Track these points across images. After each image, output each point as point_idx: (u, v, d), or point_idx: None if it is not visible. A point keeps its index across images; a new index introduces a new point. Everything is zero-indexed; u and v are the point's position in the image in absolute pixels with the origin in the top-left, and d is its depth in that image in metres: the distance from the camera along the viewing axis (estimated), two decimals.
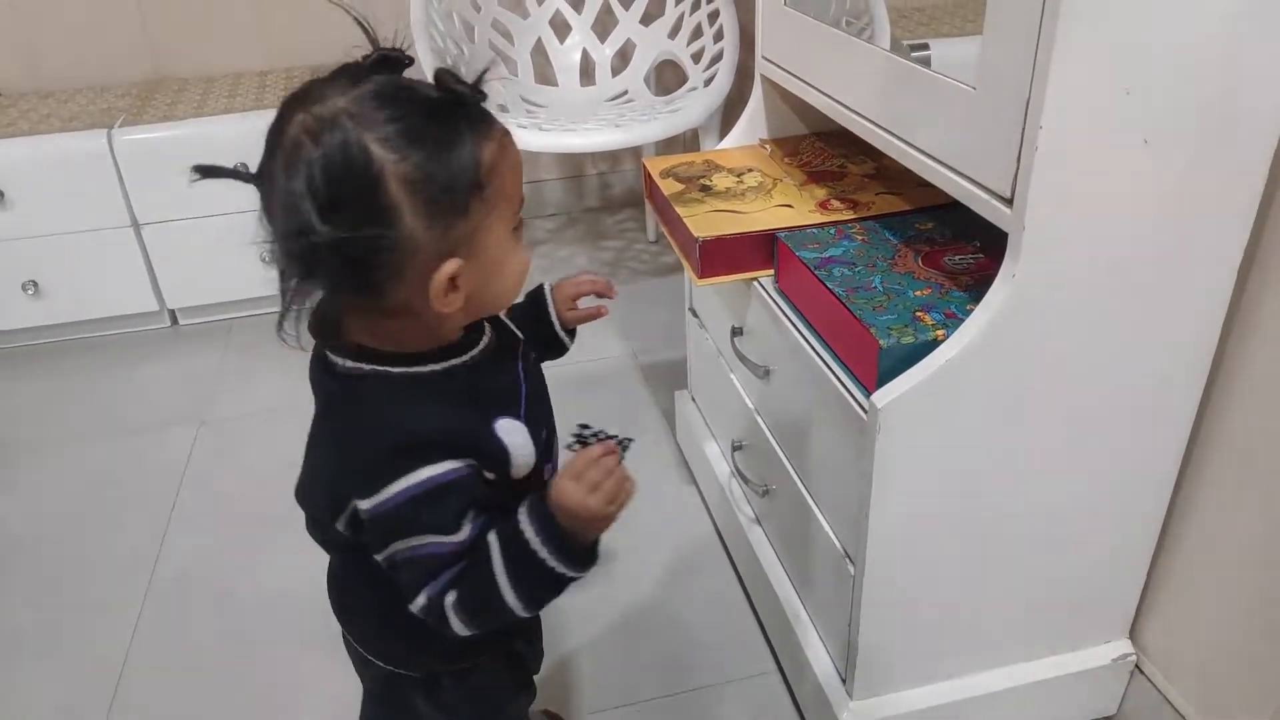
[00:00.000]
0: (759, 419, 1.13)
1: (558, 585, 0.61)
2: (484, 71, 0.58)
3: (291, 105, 0.56)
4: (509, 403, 0.66)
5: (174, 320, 2.05)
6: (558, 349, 0.82)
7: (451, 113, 0.56)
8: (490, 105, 0.60)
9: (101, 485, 1.56)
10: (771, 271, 1.04)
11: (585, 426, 0.65)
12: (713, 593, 1.28)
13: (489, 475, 0.63)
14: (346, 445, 0.62)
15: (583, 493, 0.60)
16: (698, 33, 1.95)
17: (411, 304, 0.58)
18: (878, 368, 0.80)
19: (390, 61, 0.58)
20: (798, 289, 0.97)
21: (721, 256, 1.02)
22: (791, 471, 1.04)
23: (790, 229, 1.01)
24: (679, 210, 1.06)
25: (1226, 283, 0.82)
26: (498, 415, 0.64)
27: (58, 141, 1.81)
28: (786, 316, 0.98)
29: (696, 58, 1.95)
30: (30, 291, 1.87)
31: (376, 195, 0.54)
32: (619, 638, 1.22)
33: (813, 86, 1.09)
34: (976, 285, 0.88)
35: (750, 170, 1.17)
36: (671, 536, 1.37)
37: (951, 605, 0.94)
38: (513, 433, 0.64)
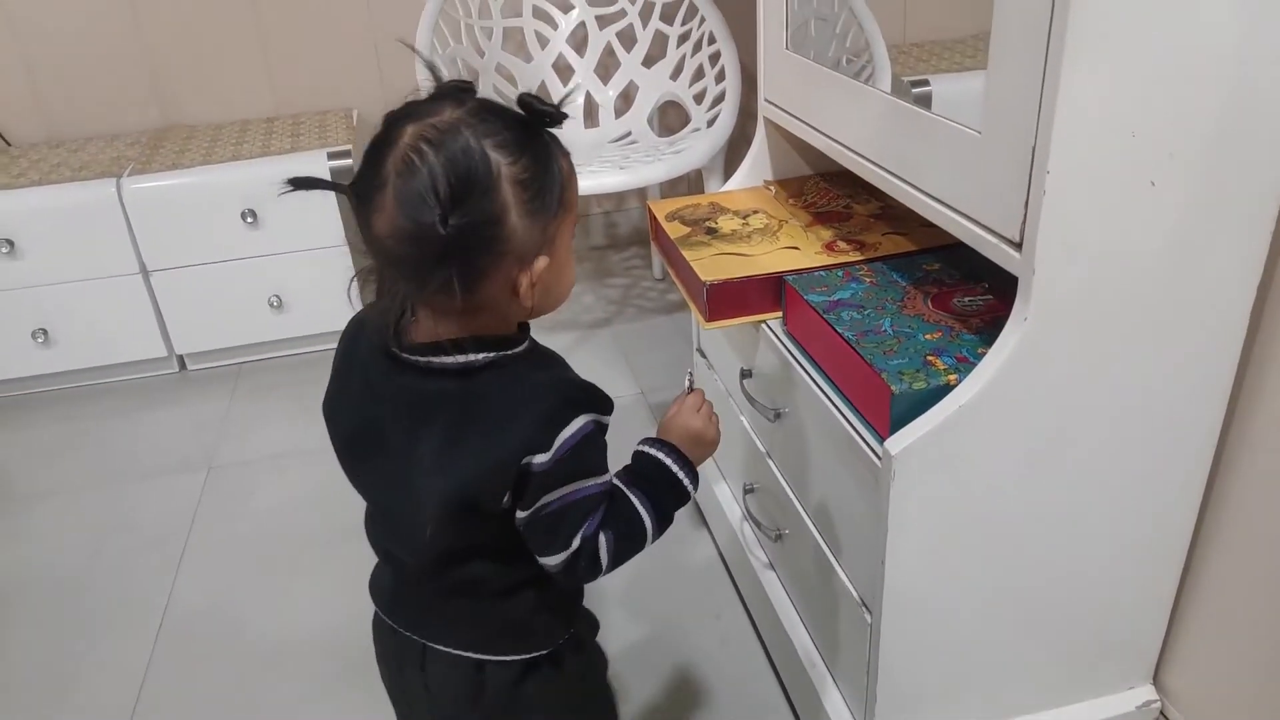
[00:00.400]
0: (770, 462, 1.12)
1: (682, 501, 0.73)
2: (565, 96, 0.71)
3: (399, 120, 0.61)
4: None
5: (183, 366, 2.05)
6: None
7: (541, 128, 0.63)
8: None
9: (112, 531, 1.55)
10: (780, 314, 1.03)
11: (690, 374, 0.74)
12: (726, 637, 1.26)
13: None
14: (512, 414, 0.65)
15: (703, 421, 0.76)
16: (700, 74, 1.97)
17: (496, 299, 0.64)
18: (890, 414, 0.79)
19: (465, 90, 0.64)
20: (807, 332, 0.97)
21: (729, 300, 1.01)
22: (805, 516, 1.02)
23: (797, 271, 1.01)
24: (685, 254, 1.06)
25: (1240, 322, 0.81)
26: None
27: (67, 191, 1.82)
28: (796, 360, 0.98)
29: (699, 99, 1.96)
30: (40, 340, 1.88)
31: (493, 192, 0.60)
32: (631, 680, 1.20)
33: (815, 129, 1.09)
34: (987, 327, 0.87)
35: (755, 212, 1.17)
36: (683, 579, 1.35)
37: (971, 653, 0.92)
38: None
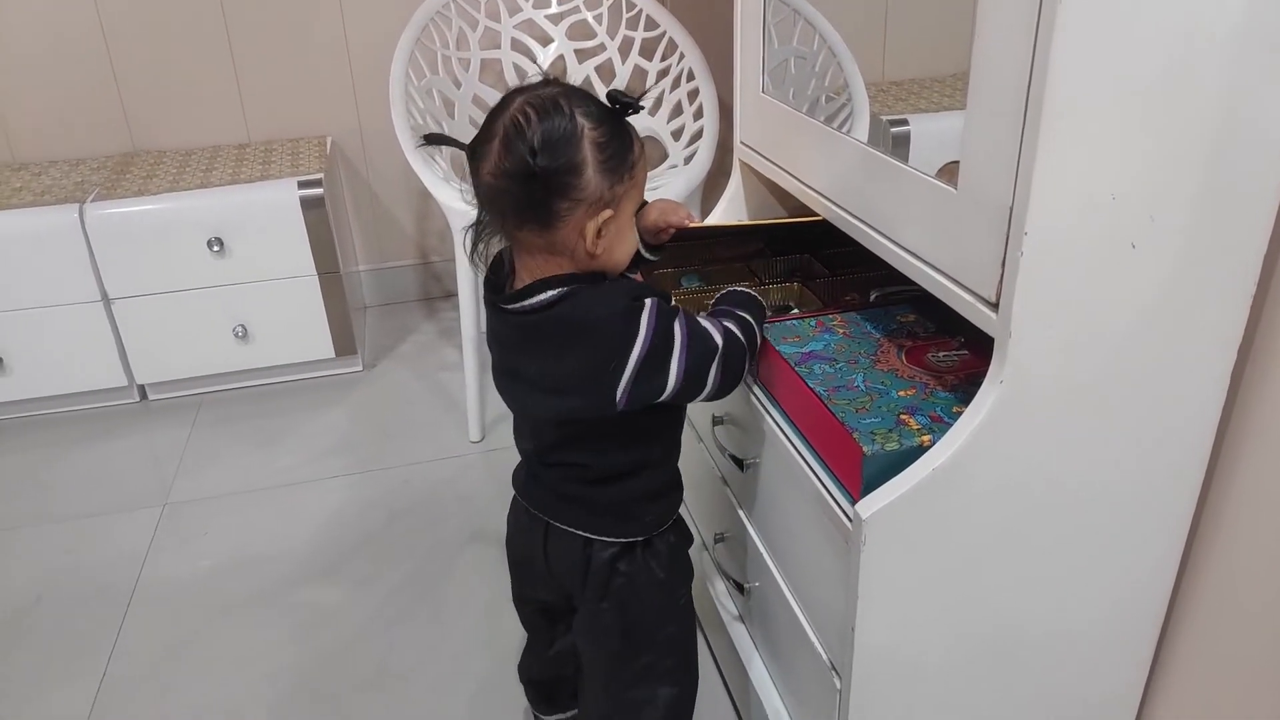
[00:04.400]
0: (740, 512, 1.09)
1: (760, 308, 0.94)
2: (643, 94, 0.88)
3: (513, 94, 0.77)
4: None
5: (143, 395, 2.00)
6: (642, 262, 0.97)
7: (622, 113, 0.78)
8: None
9: (60, 571, 1.50)
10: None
11: None
12: None
13: None
14: (599, 324, 0.78)
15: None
16: (678, 110, 1.96)
17: (569, 242, 0.77)
18: (861, 475, 0.77)
19: (554, 81, 0.79)
20: (778, 384, 0.94)
21: None
22: (775, 571, 0.99)
23: (770, 320, 0.99)
24: None
25: (1220, 387, 0.79)
26: None
27: (28, 216, 1.78)
28: (767, 411, 0.95)
29: (676, 135, 1.95)
30: None
31: (576, 147, 0.74)
32: None
33: (790, 173, 1.07)
34: (963, 384, 0.85)
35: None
36: None
37: None
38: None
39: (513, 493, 0.95)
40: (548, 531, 0.90)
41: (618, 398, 0.78)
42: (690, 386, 0.82)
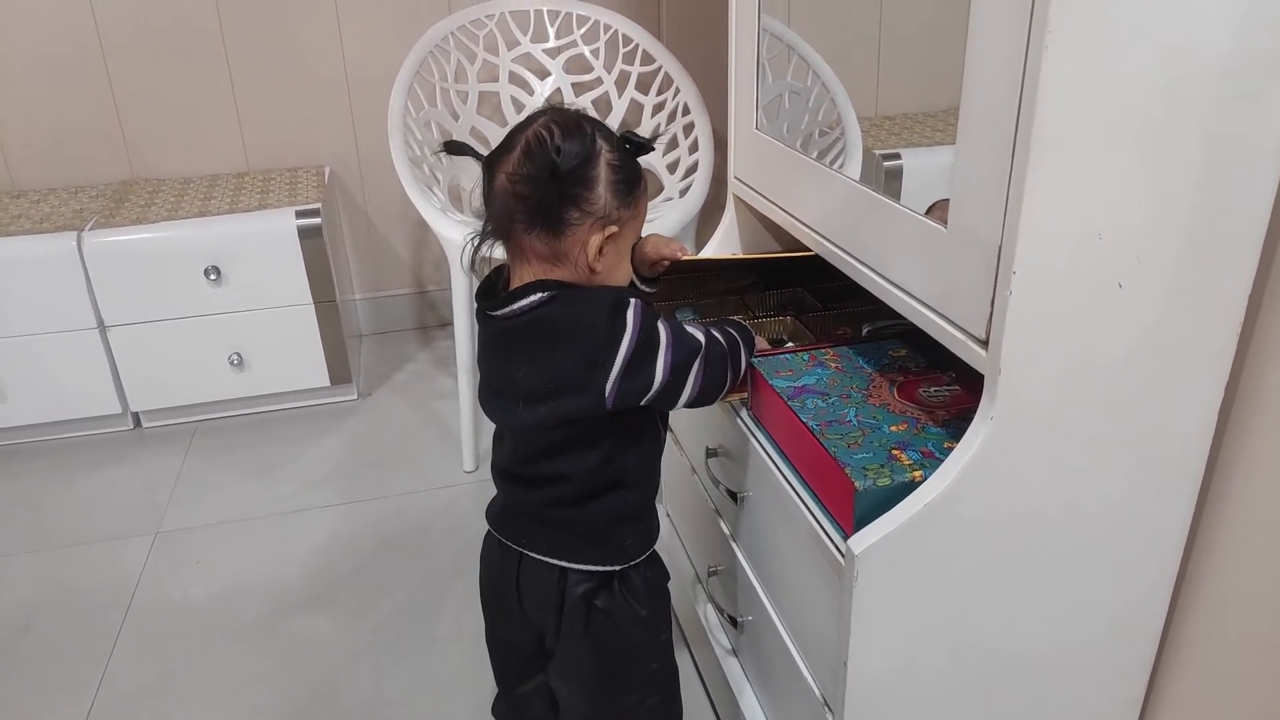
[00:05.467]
0: (734, 545, 1.09)
1: (747, 332, 0.96)
2: (655, 137, 0.90)
3: (539, 113, 0.82)
4: None
5: (137, 423, 2.00)
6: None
7: (635, 152, 0.84)
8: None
9: (49, 599, 1.48)
10: (745, 394, 1.01)
11: None
12: None
13: None
14: (586, 322, 0.80)
15: None
16: (673, 144, 1.98)
17: (572, 253, 0.81)
18: (854, 510, 0.77)
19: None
20: (771, 417, 0.95)
21: None
22: (768, 605, 0.99)
23: (763, 353, 0.99)
24: None
25: (1208, 420, 0.80)
26: None
27: (25, 243, 1.78)
28: (760, 445, 0.95)
29: (672, 168, 1.97)
30: None
31: (594, 163, 0.79)
32: None
33: (783, 209, 1.08)
34: (954, 420, 0.86)
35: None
36: None
37: None
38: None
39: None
40: (520, 565, 0.90)
41: (606, 394, 0.80)
42: (674, 384, 0.83)
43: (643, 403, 0.82)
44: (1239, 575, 0.86)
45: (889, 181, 0.99)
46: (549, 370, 0.81)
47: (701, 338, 0.86)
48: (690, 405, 0.87)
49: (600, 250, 0.81)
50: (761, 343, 1.01)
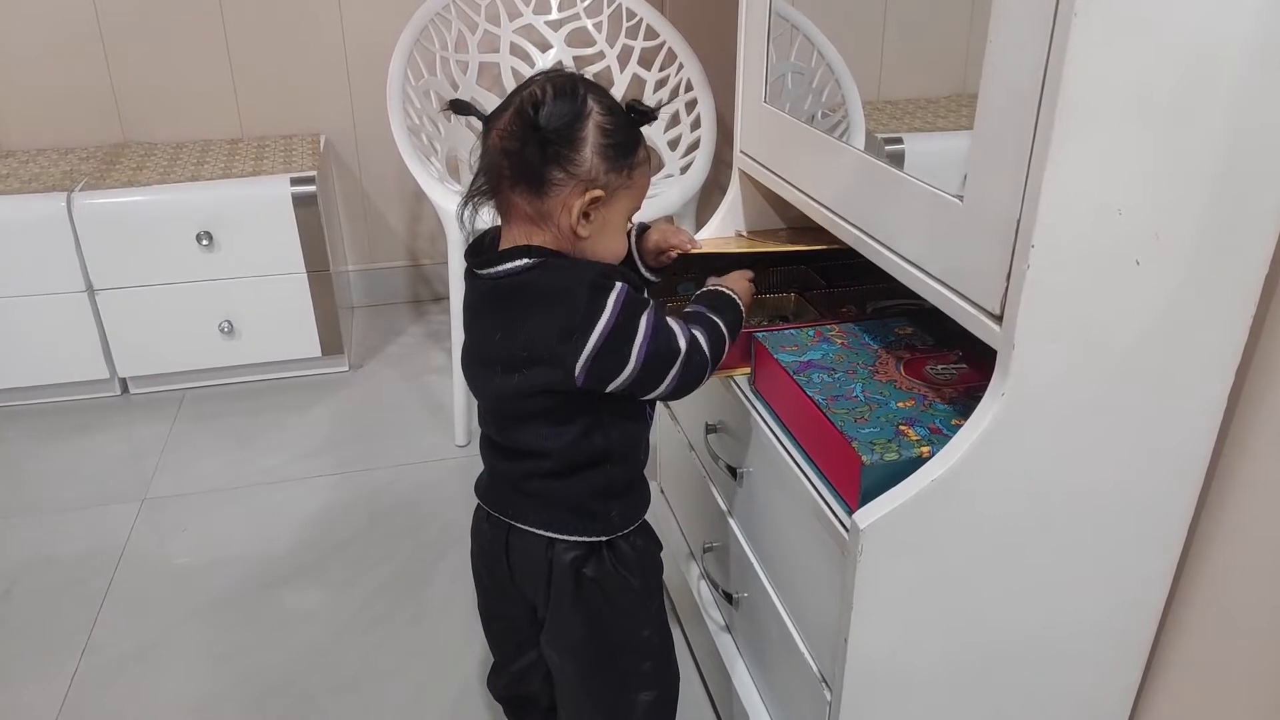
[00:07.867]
0: (731, 521, 1.08)
1: (738, 314, 0.92)
2: (659, 106, 0.88)
3: (537, 76, 0.81)
4: None
5: (124, 389, 1.97)
6: (644, 285, 0.97)
7: (638, 121, 0.83)
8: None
9: (33, 564, 1.47)
10: (748, 370, 1.00)
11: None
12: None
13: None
14: (565, 293, 0.78)
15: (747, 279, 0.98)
16: (675, 120, 1.96)
17: (555, 214, 0.80)
18: (860, 485, 0.76)
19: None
20: (775, 392, 0.94)
21: None
22: (765, 581, 0.99)
23: (767, 329, 0.98)
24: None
25: (1219, 403, 0.80)
26: None
27: (13, 203, 1.75)
28: (763, 419, 0.94)
29: (674, 145, 1.95)
30: None
31: (581, 121, 0.78)
32: None
33: (790, 183, 1.07)
34: (961, 397, 0.85)
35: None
36: None
37: None
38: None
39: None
40: (509, 536, 0.89)
41: (577, 372, 0.78)
42: (647, 379, 0.81)
43: (610, 389, 0.80)
44: (1241, 562, 0.86)
45: (891, 166, 0.98)
46: (523, 337, 0.80)
47: (683, 343, 0.83)
48: (662, 400, 0.86)
49: (586, 215, 0.80)
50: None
